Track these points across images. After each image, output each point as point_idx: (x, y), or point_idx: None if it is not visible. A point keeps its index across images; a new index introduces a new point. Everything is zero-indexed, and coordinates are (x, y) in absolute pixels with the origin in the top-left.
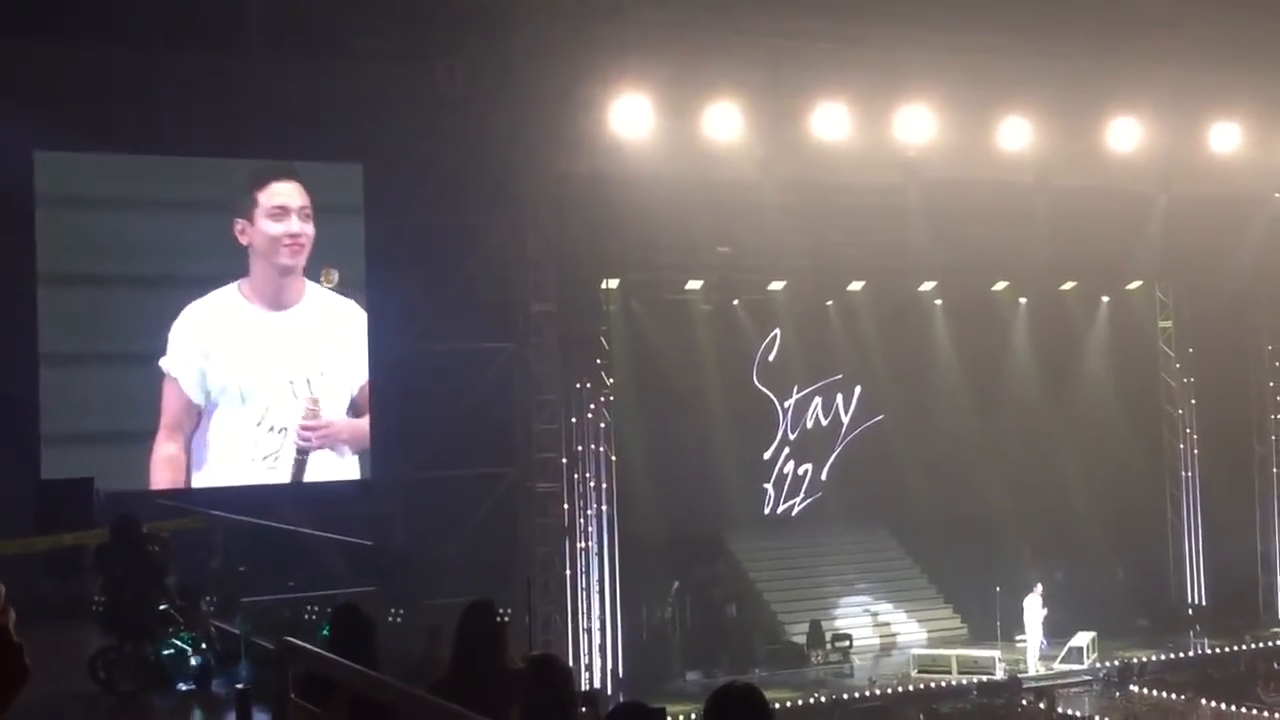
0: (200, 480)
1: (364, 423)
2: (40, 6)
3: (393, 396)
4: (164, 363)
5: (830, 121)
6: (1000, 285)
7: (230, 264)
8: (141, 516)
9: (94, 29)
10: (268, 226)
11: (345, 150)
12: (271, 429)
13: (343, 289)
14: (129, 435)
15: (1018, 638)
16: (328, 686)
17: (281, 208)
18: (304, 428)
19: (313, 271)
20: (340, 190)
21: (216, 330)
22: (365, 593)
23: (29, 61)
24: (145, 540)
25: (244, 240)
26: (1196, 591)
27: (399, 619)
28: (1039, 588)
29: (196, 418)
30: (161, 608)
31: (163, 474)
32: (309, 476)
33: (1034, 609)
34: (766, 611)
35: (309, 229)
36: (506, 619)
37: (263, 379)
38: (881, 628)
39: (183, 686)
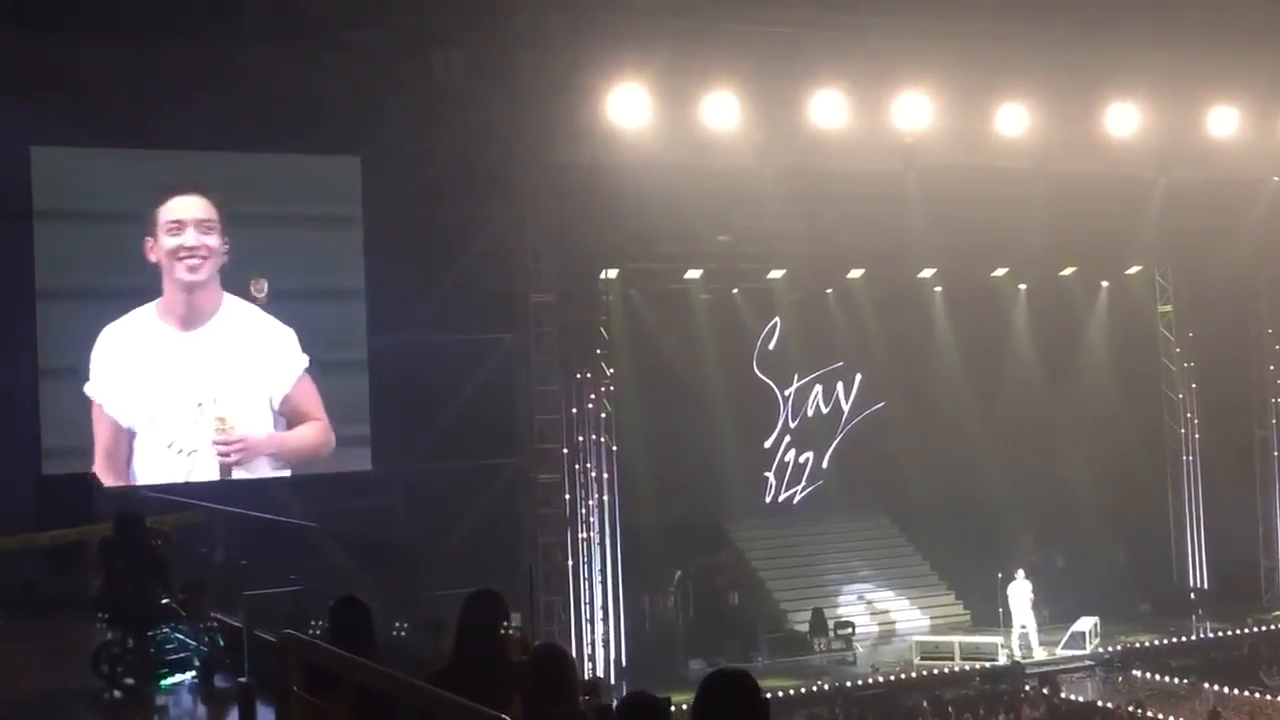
0: None
1: (298, 432)
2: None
3: (393, 388)
4: (88, 389)
5: (828, 109)
6: (1000, 271)
7: (149, 280)
8: (143, 511)
9: (86, 21)
10: (166, 241)
11: (343, 142)
12: (180, 452)
13: (269, 302)
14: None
15: (1020, 627)
16: (331, 679)
17: (177, 222)
18: (217, 444)
19: (238, 283)
20: (337, 183)
21: (129, 353)
22: (366, 585)
23: (22, 55)
24: (148, 534)
25: (152, 257)
26: (1198, 576)
27: (403, 632)
28: (1020, 573)
29: (128, 442)
30: (164, 601)
31: None
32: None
33: (1020, 595)
34: (769, 599)
35: (210, 241)
36: (512, 628)
37: (170, 401)
38: (883, 615)
39: (186, 680)
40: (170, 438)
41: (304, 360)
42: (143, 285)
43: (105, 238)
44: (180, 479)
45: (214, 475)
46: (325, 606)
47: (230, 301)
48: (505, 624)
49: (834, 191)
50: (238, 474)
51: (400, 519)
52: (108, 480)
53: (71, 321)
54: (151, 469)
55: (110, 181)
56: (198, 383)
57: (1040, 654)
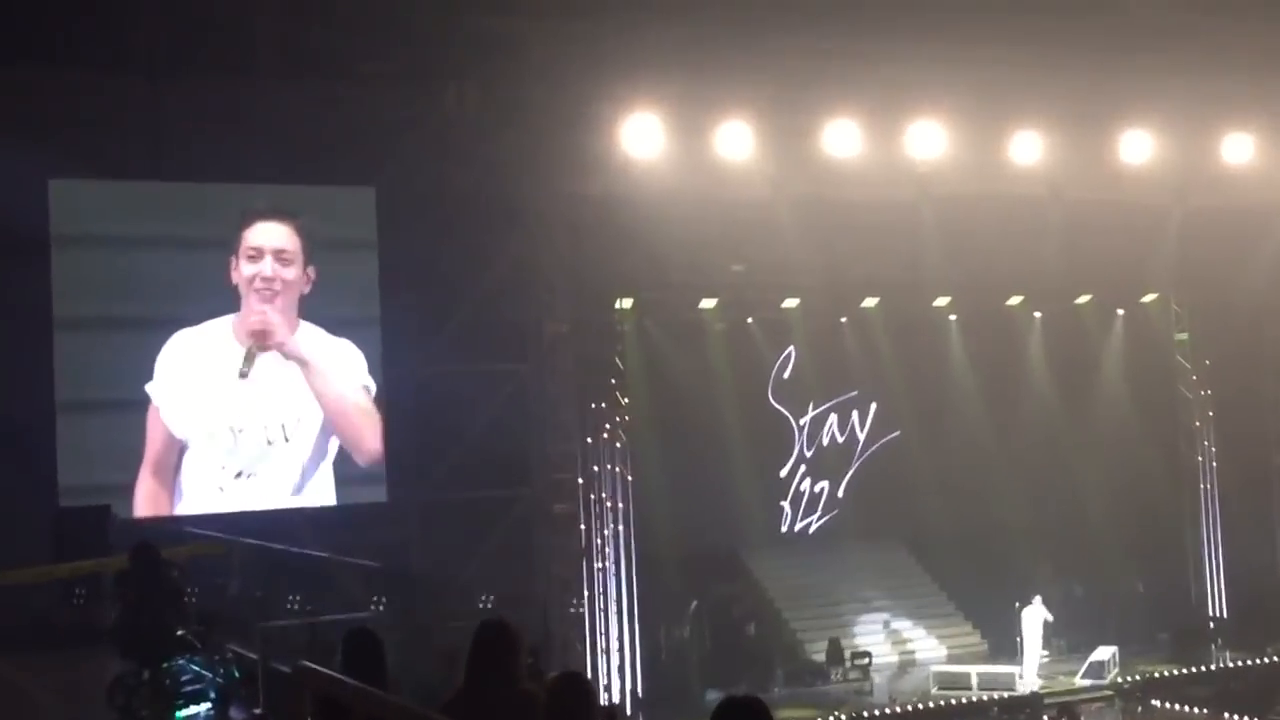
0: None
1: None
2: (49, 35)
3: (408, 419)
4: (149, 388)
5: (841, 138)
6: (1015, 299)
7: (226, 302)
8: (159, 542)
9: (102, 57)
10: (245, 268)
11: (357, 174)
12: (240, 475)
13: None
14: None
15: (1042, 655)
16: (345, 711)
17: (257, 249)
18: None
19: (318, 313)
20: (352, 214)
21: (200, 361)
22: (381, 616)
23: (40, 91)
24: (163, 565)
25: (235, 279)
26: (1217, 604)
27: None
28: (1038, 599)
29: (179, 453)
30: (179, 633)
31: (144, 512)
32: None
33: (1033, 621)
34: (785, 630)
35: (287, 274)
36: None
37: (231, 419)
38: (900, 645)
39: (201, 712)
40: (223, 459)
41: (369, 383)
42: (162, 314)
43: (122, 267)
44: (225, 502)
45: (263, 504)
46: (340, 638)
47: (307, 330)
48: (518, 654)
49: (848, 220)
50: (251, 497)
51: (415, 550)
52: (150, 492)
53: (90, 353)
54: (199, 488)
55: (126, 211)
56: (263, 407)
57: (1038, 683)
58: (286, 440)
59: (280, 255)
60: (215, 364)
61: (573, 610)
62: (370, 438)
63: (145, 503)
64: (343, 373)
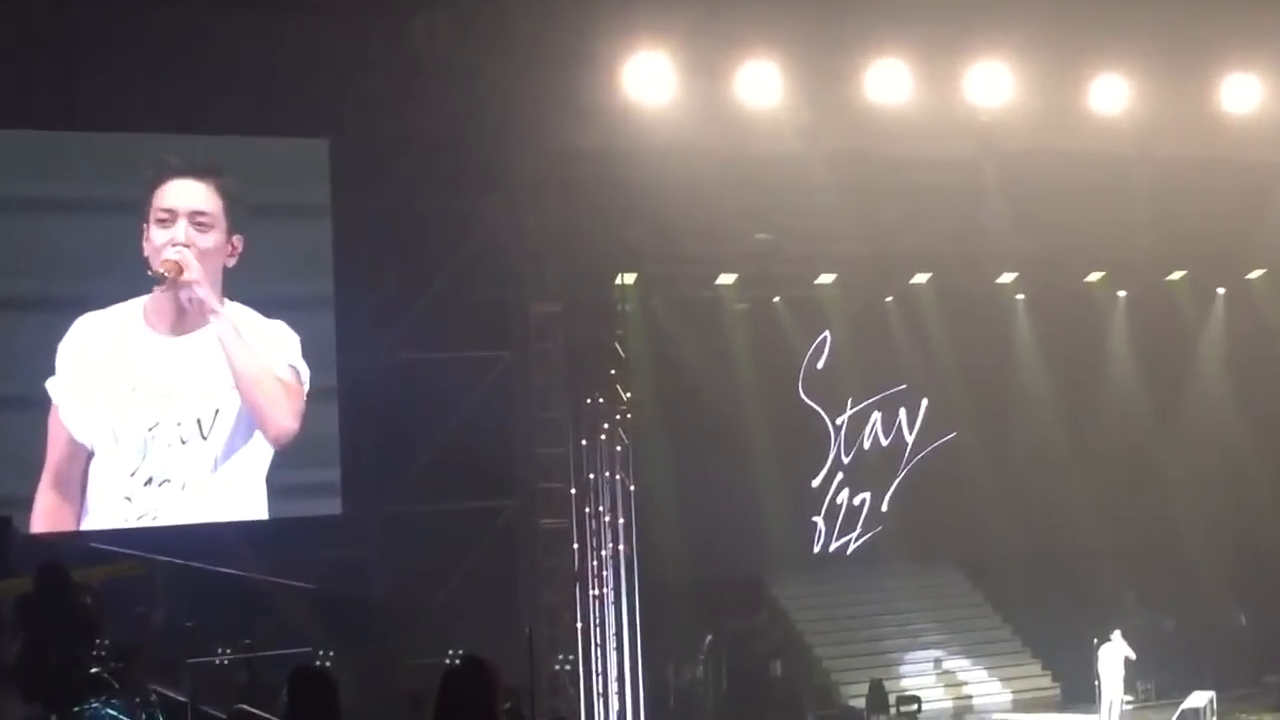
0: None
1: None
2: None
3: (367, 417)
4: (50, 385)
5: (888, 82)
6: (1094, 276)
7: (140, 279)
8: (69, 562)
9: None
10: (155, 234)
11: (308, 123)
12: (150, 482)
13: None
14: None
15: (1126, 701)
16: None
17: (169, 211)
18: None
19: (246, 291)
20: (299, 172)
21: (106, 353)
22: (333, 651)
23: None
24: (74, 591)
25: (147, 249)
26: None
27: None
28: (1117, 634)
29: (84, 462)
30: (94, 671)
31: (43, 528)
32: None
33: (1113, 660)
34: (818, 669)
35: (205, 241)
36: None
37: (140, 418)
38: (955, 688)
39: None
40: (134, 464)
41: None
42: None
43: (18, 236)
44: (139, 516)
45: (188, 518)
46: (284, 676)
47: (233, 308)
48: (495, 697)
49: (895, 181)
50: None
51: (375, 573)
52: (50, 506)
53: None
54: (108, 500)
55: (21, 167)
56: (180, 401)
57: None
58: (204, 438)
59: (197, 219)
60: (123, 356)
61: (564, 645)
62: (283, 412)
63: (44, 518)
64: (268, 349)
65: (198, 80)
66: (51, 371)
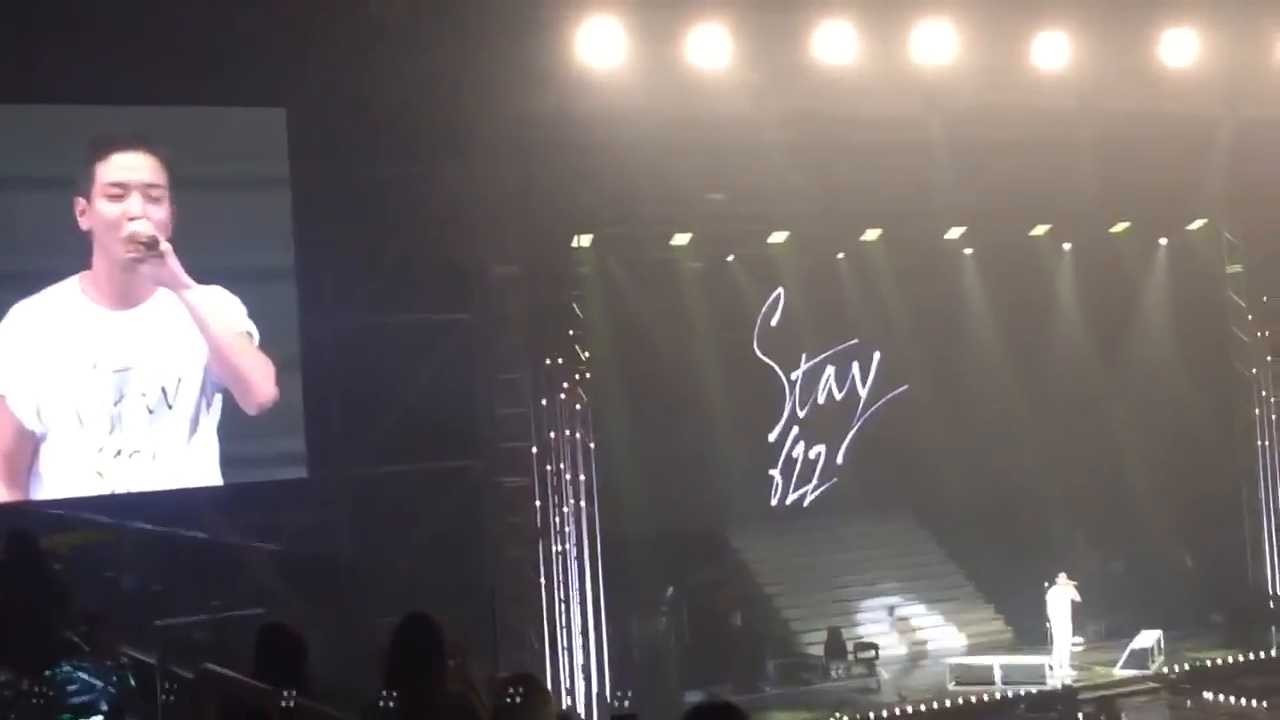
0: None
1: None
2: None
3: (330, 381)
4: None
5: (835, 42)
6: (1040, 229)
7: (75, 256)
8: (37, 530)
9: None
10: (104, 208)
11: (264, 92)
12: (119, 454)
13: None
14: None
15: (1076, 643)
16: (259, 719)
17: (120, 185)
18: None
19: (201, 260)
20: (253, 141)
21: (49, 337)
22: (301, 611)
23: None
24: (44, 557)
25: (84, 224)
26: (1277, 581)
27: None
28: (1063, 576)
29: (32, 448)
30: (65, 635)
31: None
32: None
33: (1060, 603)
34: (777, 619)
35: (157, 212)
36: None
37: (104, 394)
38: (911, 634)
39: None
40: (101, 440)
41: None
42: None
43: None
44: (114, 490)
45: (153, 484)
46: (252, 638)
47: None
48: (444, 657)
49: (844, 139)
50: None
51: (342, 533)
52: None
53: None
54: (69, 478)
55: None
56: (140, 371)
57: (1070, 675)
58: (170, 406)
59: (149, 192)
60: (75, 335)
61: (527, 600)
62: (262, 379)
63: None
64: (220, 315)
65: (150, 51)
66: None
